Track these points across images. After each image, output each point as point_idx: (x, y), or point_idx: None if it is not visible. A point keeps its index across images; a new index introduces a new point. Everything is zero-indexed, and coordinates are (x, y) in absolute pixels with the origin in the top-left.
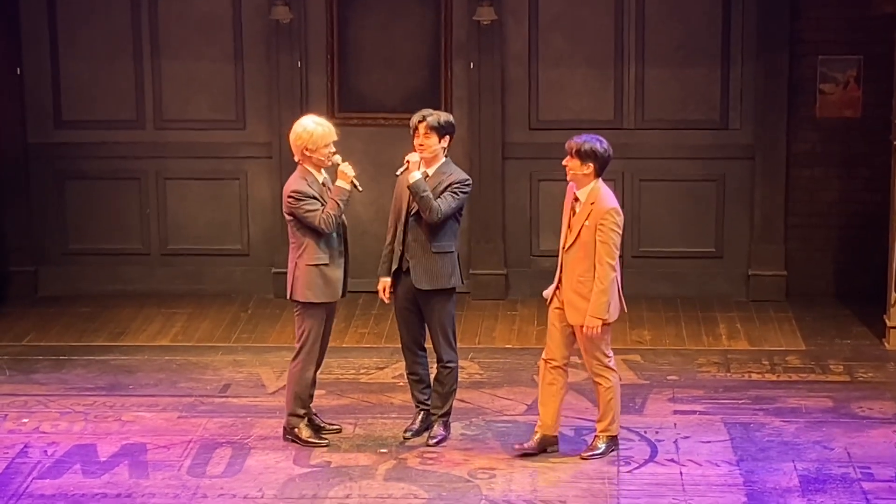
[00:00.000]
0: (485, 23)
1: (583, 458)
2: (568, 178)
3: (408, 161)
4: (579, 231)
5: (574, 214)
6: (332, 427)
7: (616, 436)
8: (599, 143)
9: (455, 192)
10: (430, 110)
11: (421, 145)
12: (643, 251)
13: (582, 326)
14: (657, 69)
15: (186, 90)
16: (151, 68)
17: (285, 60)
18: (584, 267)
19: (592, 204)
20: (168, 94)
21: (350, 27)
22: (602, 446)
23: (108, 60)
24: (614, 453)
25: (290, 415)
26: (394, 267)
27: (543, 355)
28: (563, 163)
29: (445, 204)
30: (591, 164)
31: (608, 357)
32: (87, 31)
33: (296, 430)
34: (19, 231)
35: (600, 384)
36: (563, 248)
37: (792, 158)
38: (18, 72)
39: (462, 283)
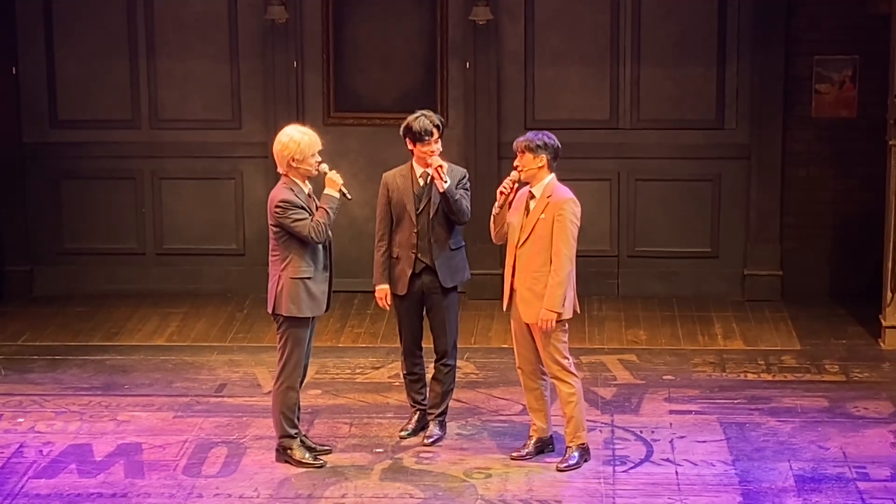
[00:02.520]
0: (481, 22)
1: (559, 470)
2: (522, 178)
3: (441, 166)
4: (534, 225)
5: (528, 213)
6: (323, 448)
7: (586, 444)
8: (547, 136)
9: (467, 189)
10: (427, 112)
11: (433, 151)
12: (639, 251)
13: (537, 323)
14: (653, 68)
15: (182, 90)
16: (147, 68)
17: (281, 60)
18: (540, 262)
19: (549, 197)
20: (164, 93)
21: (346, 27)
22: (575, 455)
23: (104, 60)
24: (608, 454)
25: (282, 436)
26: (410, 271)
27: (517, 363)
28: (515, 163)
29: (467, 202)
30: (544, 156)
31: (567, 359)
32: (82, 30)
33: (289, 450)
34: (14, 230)
35: (561, 390)
36: (516, 245)
37: (787, 158)
38: (14, 71)
39: (470, 275)
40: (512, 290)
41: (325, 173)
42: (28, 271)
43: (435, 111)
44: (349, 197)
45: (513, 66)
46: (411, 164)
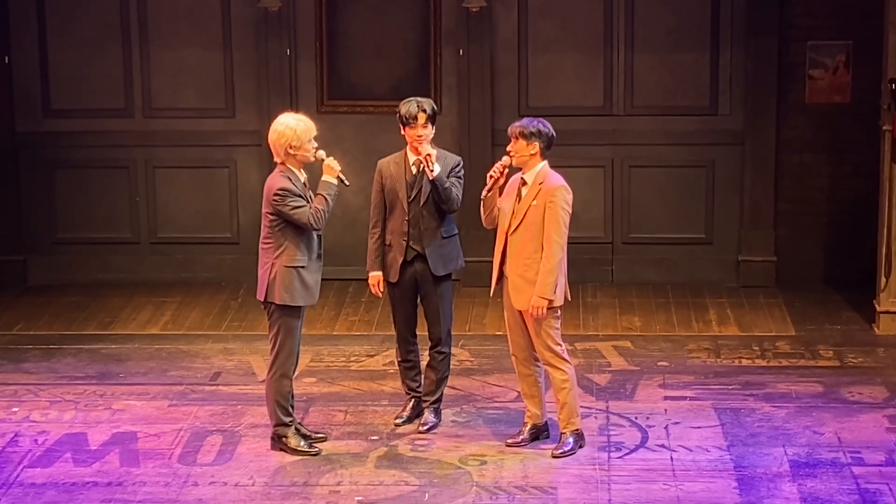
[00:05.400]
0: (474, 10)
1: (554, 457)
2: (514, 164)
3: (429, 155)
4: (526, 212)
5: (520, 199)
6: (318, 435)
7: (580, 430)
8: (542, 124)
9: (459, 177)
10: (420, 98)
11: (420, 136)
12: (633, 237)
13: (528, 310)
14: (647, 55)
15: (175, 78)
16: (140, 57)
17: (274, 48)
18: (532, 249)
19: (541, 184)
20: (157, 82)
21: (339, 15)
22: (570, 441)
23: (97, 49)
24: (603, 441)
25: (277, 425)
26: (401, 258)
27: (510, 350)
28: (508, 148)
29: (458, 191)
30: (537, 144)
31: (559, 345)
32: (75, 19)
33: (284, 438)
34: (8, 220)
35: (554, 376)
36: (508, 232)
37: (781, 144)
38: (6, 60)
39: (465, 263)
40: (501, 275)
41: (323, 160)
42: (22, 261)
43: (428, 98)
44: (347, 183)
45: (506, 53)
46: (405, 152)
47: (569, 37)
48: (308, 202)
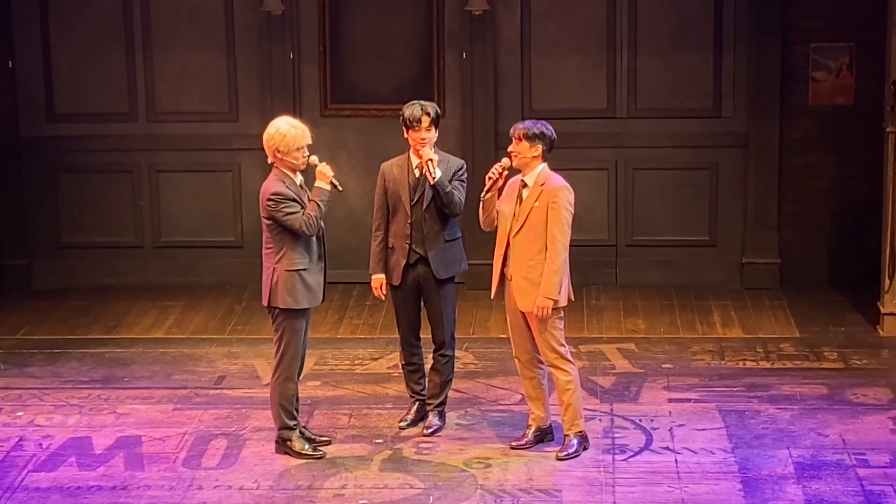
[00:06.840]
0: (477, 12)
1: (558, 459)
2: (515, 165)
3: (430, 160)
4: (528, 214)
5: (521, 201)
6: (322, 439)
7: (584, 432)
8: (545, 126)
9: (462, 180)
10: (423, 101)
11: (423, 139)
12: (637, 240)
13: (533, 311)
14: (650, 57)
15: (179, 82)
16: (144, 61)
17: (277, 52)
18: (535, 250)
19: (542, 185)
20: (160, 86)
21: (342, 18)
22: (574, 443)
23: (101, 53)
24: (608, 443)
25: (281, 428)
26: (404, 261)
27: (513, 353)
28: (510, 149)
29: (461, 195)
30: (539, 146)
31: (563, 346)
32: (79, 23)
33: (288, 442)
34: (12, 224)
35: (558, 377)
36: (510, 234)
37: (785, 146)
38: (10, 65)
39: (468, 266)
40: (503, 277)
41: (315, 166)
42: (26, 265)
43: (431, 102)
44: (340, 189)
45: (509, 55)
46: (408, 155)
47: (572, 39)
48: (302, 206)
